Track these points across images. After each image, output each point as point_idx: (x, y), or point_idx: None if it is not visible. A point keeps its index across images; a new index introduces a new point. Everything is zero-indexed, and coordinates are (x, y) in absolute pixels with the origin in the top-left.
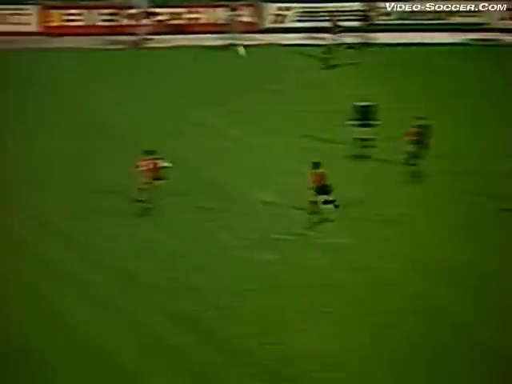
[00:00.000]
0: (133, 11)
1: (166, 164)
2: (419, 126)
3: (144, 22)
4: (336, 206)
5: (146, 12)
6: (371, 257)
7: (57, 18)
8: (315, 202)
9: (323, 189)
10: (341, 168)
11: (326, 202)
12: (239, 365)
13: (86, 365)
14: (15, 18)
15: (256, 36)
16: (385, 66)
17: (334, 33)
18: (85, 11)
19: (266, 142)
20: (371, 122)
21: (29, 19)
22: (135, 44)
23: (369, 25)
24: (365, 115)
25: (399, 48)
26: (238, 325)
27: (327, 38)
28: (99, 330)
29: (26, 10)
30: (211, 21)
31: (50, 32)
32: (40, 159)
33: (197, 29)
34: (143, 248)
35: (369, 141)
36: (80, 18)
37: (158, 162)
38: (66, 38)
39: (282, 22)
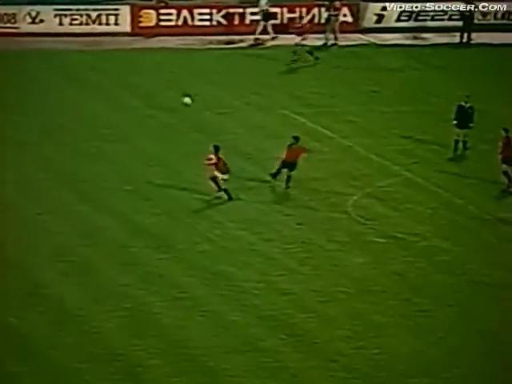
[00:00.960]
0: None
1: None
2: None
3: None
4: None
5: (265, 12)
6: (469, 261)
7: (150, 19)
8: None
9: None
10: (439, 169)
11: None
12: (331, 369)
13: (178, 368)
14: (107, 19)
15: (355, 36)
16: (484, 66)
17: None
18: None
19: (362, 143)
20: (470, 124)
21: (121, 19)
22: (229, 43)
23: (469, 25)
24: (464, 116)
25: (498, 48)
26: (330, 328)
27: (428, 38)
28: (190, 333)
29: (119, 10)
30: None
31: (143, 32)
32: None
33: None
34: (234, 250)
35: (466, 142)
36: (173, 17)
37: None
38: (159, 38)
39: (382, 21)
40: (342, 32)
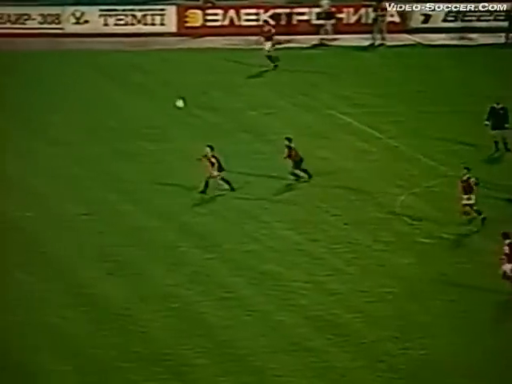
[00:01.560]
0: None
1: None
2: None
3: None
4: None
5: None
6: None
7: (196, 19)
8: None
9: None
10: (485, 170)
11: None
12: (378, 369)
13: (224, 368)
14: (153, 19)
15: (402, 36)
16: None
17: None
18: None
19: (409, 143)
20: (506, 125)
21: (167, 20)
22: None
23: None
24: (497, 117)
25: None
26: (376, 328)
27: (474, 39)
28: (236, 333)
29: (164, 10)
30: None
31: (189, 32)
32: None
33: (344, 29)
34: (281, 250)
35: (507, 144)
36: (219, 18)
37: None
38: (205, 38)
39: (429, 21)
40: (389, 32)
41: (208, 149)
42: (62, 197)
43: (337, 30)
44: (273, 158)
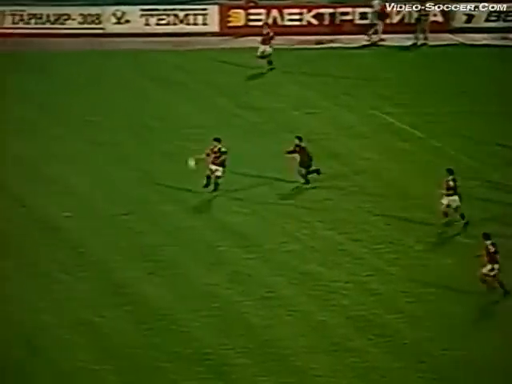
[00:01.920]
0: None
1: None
2: None
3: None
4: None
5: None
6: None
7: (239, 18)
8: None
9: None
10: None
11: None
12: (419, 370)
13: (265, 368)
14: (195, 18)
15: (445, 36)
16: None
17: None
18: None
19: (451, 143)
20: None
21: (209, 19)
22: (319, 42)
23: None
24: None
25: None
26: (418, 329)
27: None
28: (277, 332)
29: (207, 10)
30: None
31: (231, 32)
32: None
33: (386, 28)
34: (322, 250)
35: None
36: (262, 17)
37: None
38: (247, 37)
39: (471, 21)
40: (432, 32)
41: (216, 142)
42: (103, 197)
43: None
44: (314, 158)
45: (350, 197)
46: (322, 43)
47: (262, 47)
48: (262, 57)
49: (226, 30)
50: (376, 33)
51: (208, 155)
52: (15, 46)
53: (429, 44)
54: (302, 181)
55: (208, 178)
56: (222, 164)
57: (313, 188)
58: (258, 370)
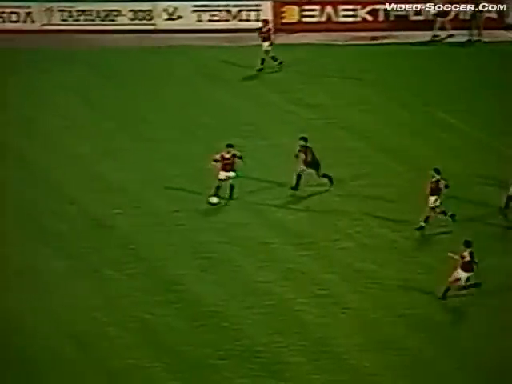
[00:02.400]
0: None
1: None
2: None
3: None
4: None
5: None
6: None
7: (292, 15)
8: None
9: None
10: None
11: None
12: (470, 369)
13: (318, 366)
14: (248, 14)
15: (499, 32)
16: None
17: None
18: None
19: (505, 142)
20: None
21: (263, 15)
22: (373, 39)
23: None
24: None
25: None
26: (469, 328)
27: None
28: (331, 330)
29: (260, 6)
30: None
31: (285, 28)
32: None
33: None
34: (375, 247)
35: None
36: (316, 14)
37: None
38: (301, 33)
39: None
40: (486, 28)
41: (229, 148)
42: (154, 194)
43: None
44: (367, 155)
45: (404, 194)
46: (377, 39)
47: (266, 44)
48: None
49: (280, 26)
50: (443, 29)
51: (216, 161)
52: (64, 42)
53: (483, 40)
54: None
55: (218, 188)
56: (234, 169)
57: (365, 185)
58: (311, 368)
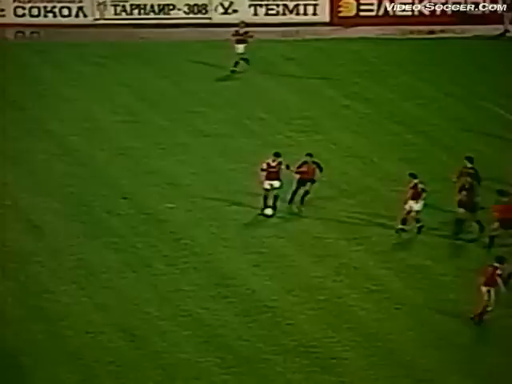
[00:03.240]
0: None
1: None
2: None
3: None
4: None
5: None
6: None
7: (350, 9)
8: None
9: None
10: None
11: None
12: None
13: (373, 362)
14: (305, 9)
15: None
16: None
17: None
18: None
19: None
20: None
21: (320, 9)
22: (430, 32)
23: None
24: None
25: None
26: None
27: None
28: (385, 326)
29: (318, 0)
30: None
31: (342, 22)
32: None
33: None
34: (431, 243)
35: None
36: (374, 8)
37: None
38: (358, 27)
39: None
40: None
41: (275, 157)
42: (206, 188)
43: None
44: (424, 150)
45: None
46: (434, 33)
47: (239, 46)
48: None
49: (337, 20)
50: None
51: (264, 170)
52: (119, 36)
53: None
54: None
55: (266, 198)
56: (279, 178)
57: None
58: (365, 364)
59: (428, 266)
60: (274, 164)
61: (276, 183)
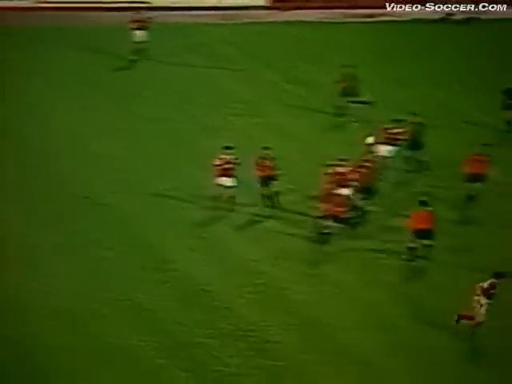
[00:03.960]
0: None
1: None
2: None
3: None
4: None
5: None
6: None
7: None
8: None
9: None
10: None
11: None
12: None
13: (308, 345)
14: None
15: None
16: None
17: None
18: None
19: None
20: None
21: None
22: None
23: None
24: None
25: None
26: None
27: None
28: (323, 310)
29: None
30: None
31: (280, 6)
32: None
33: None
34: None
35: None
36: None
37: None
38: (297, 11)
39: None
40: None
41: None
42: (147, 172)
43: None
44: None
45: None
46: (373, 16)
47: (138, 33)
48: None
49: (275, 4)
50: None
51: (217, 166)
52: (50, 20)
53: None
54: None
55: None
56: (233, 175)
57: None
58: (300, 347)
59: (365, 247)
60: (226, 159)
61: (228, 181)
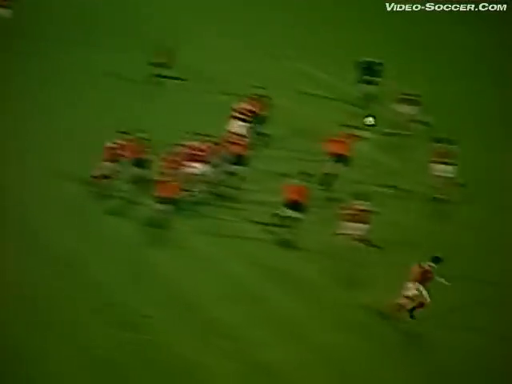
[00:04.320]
0: None
1: None
2: None
3: None
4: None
5: None
6: None
7: None
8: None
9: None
10: None
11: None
12: None
13: (175, 318)
14: None
15: None
16: None
17: None
18: None
19: None
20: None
21: None
22: None
23: None
24: (369, 72)
25: None
26: None
27: None
28: (187, 283)
29: None
30: None
31: None
32: None
33: None
34: None
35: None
36: None
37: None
38: None
39: None
40: None
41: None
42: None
43: None
44: None
45: None
46: None
47: None
48: None
49: None
50: None
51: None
52: None
53: None
54: None
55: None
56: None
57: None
58: (165, 320)
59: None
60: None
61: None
